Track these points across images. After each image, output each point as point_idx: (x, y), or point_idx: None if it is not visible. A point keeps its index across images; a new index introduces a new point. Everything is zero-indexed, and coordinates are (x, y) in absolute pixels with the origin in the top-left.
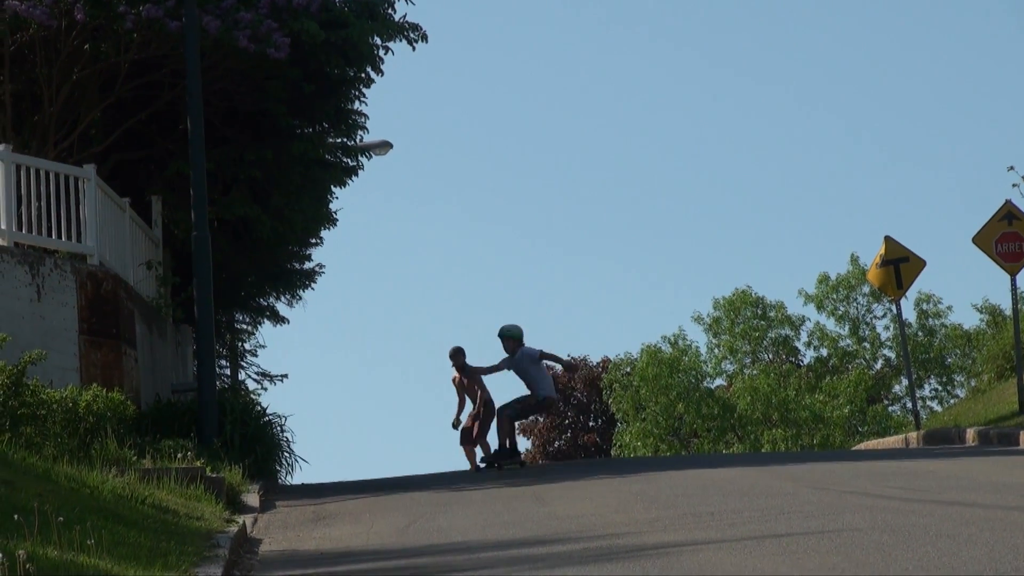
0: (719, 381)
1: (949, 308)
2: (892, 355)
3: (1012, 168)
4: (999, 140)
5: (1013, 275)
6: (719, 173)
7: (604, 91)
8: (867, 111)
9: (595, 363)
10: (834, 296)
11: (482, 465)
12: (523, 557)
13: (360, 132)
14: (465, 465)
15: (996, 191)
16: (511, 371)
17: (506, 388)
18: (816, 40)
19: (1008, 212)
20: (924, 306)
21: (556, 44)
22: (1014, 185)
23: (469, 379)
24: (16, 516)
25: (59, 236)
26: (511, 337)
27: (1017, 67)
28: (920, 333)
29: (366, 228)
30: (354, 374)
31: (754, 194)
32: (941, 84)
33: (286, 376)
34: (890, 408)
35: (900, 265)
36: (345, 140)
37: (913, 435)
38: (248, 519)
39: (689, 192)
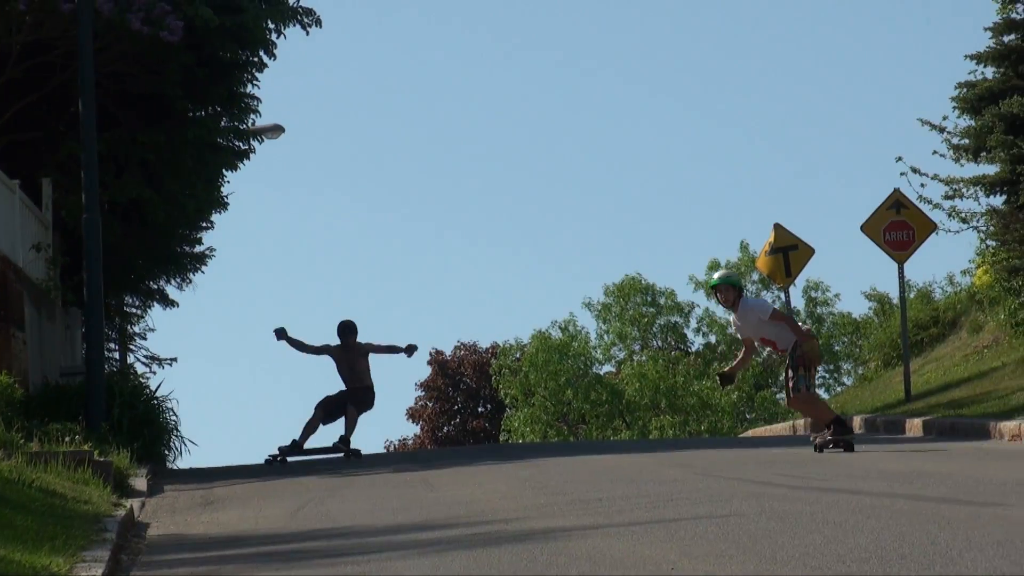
0: (608, 367)
1: (837, 296)
2: None
3: (901, 158)
4: (888, 130)
5: (901, 263)
6: (610, 159)
7: (497, 76)
8: (758, 99)
9: (484, 348)
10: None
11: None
12: (412, 542)
13: (252, 116)
14: (364, 448)
15: (885, 180)
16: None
17: None
18: (706, 28)
19: (896, 201)
20: (813, 293)
21: (446, 30)
22: (902, 174)
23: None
24: None
25: None
26: (733, 285)
27: (906, 57)
28: (808, 320)
29: (257, 212)
30: (244, 358)
31: (645, 180)
32: (831, 73)
33: (175, 360)
34: (778, 395)
35: (789, 253)
36: (237, 124)
37: (800, 422)
38: (136, 503)
39: (580, 177)
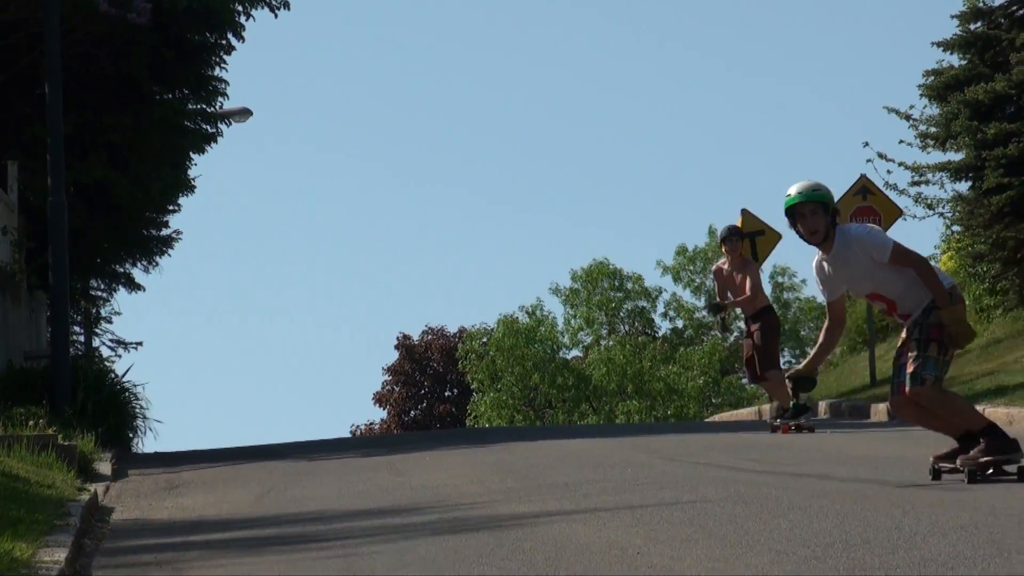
0: (575, 352)
1: (804, 282)
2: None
3: (867, 144)
4: (855, 116)
5: None
6: (579, 143)
7: (465, 61)
8: (725, 84)
9: (452, 333)
10: (691, 268)
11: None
12: (378, 527)
13: (220, 99)
14: (331, 433)
15: (851, 166)
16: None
17: None
18: (672, 15)
19: (863, 187)
20: (779, 279)
21: (413, 15)
22: (868, 160)
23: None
24: None
25: None
26: (824, 205)
27: (873, 44)
28: (775, 306)
29: (225, 195)
30: (211, 342)
31: (612, 164)
32: (799, 59)
33: (141, 344)
34: (743, 380)
35: (756, 238)
36: (205, 106)
37: (766, 407)
38: (100, 488)
39: (548, 162)
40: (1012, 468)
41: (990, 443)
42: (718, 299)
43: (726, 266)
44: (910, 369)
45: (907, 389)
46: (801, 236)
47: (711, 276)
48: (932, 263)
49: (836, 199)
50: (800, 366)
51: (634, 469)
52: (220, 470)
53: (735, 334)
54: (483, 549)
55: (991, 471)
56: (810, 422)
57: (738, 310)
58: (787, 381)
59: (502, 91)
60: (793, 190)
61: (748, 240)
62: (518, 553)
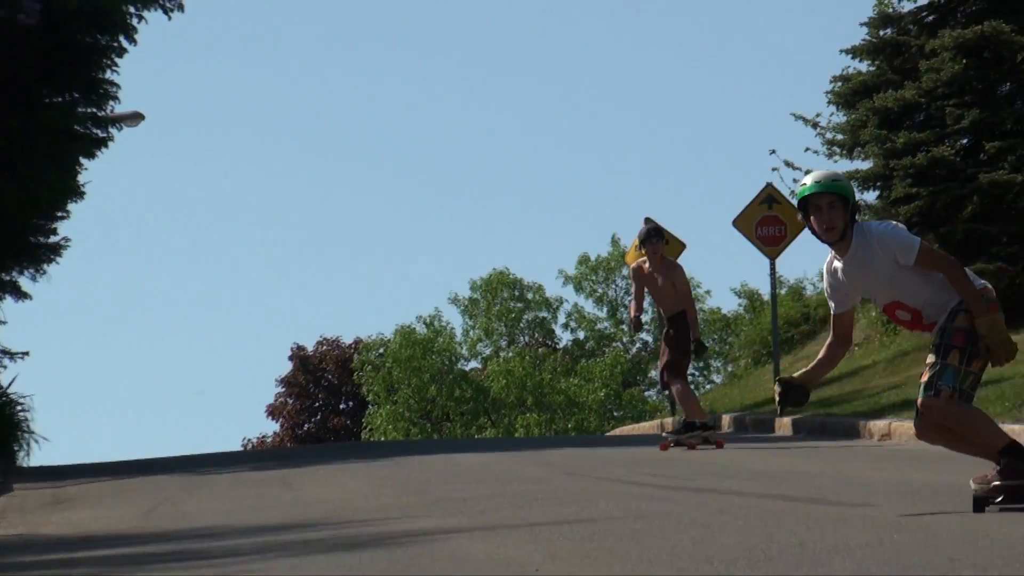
0: (474, 363)
1: (708, 292)
2: (649, 339)
3: (774, 152)
4: (762, 124)
5: (773, 259)
6: (478, 151)
7: (362, 67)
8: (629, 90)
9: (347, 344)
10: (593, 278)
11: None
12: (271, 544)
13: (112, 102)
14: (222, 446)
15: (758, 175)
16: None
17: None
18: (580, 17)
19: (769, 195)
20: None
21: (308, 17)
22: (774, 169)
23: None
24: None
25: None
26: (845, 198)
27: (781, 50)
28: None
29: (115, 201)
30: (100, 351)
31: (513, 172)
32: (705, 65)
33: (27, 353)
34: (646, 392)
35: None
36: (96, 111)
37: (669, 420)
38: None
39: (446, 169)
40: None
41: (1009, 466)
42: (635, 298)
43: (647, 266)
44: (924, 378)
45: (919, 401)
46: (814, 232)
47: (631, 275)
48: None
49: (742, 208)
50: (795, 374)
51: (533, 484)
52: (108, 484)
53: (637, 344)
54: (378, 566)
55: (1002, 498)
56: (692, 439)
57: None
58: (776, 386)
59: (399, 98)
60: (809, 179)
61: None
62: (413, 569)
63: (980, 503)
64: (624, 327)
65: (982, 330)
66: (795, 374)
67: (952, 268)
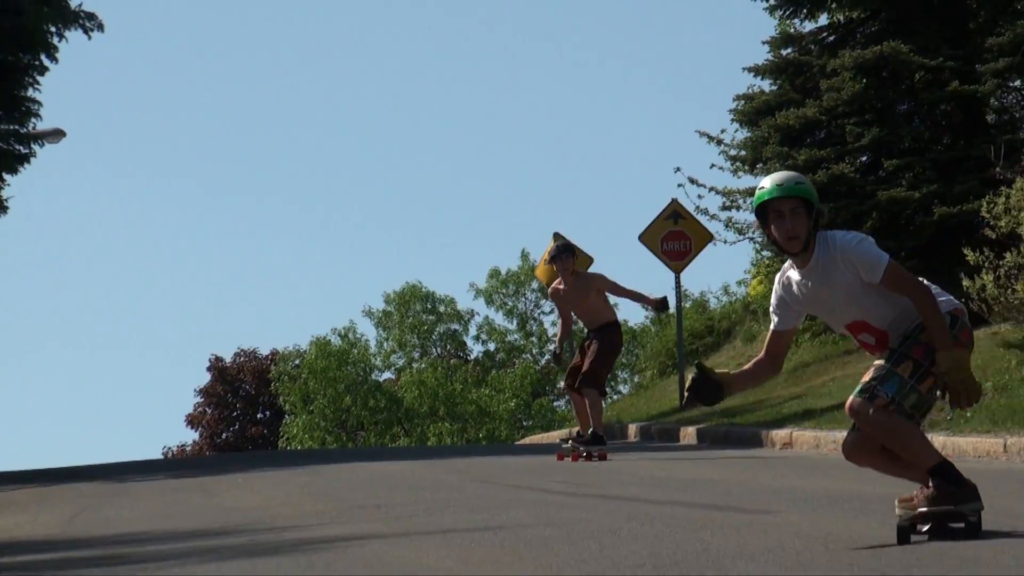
0: (387, 374)
1: (615, 305)
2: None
3: (679, 169)
4: (667, 141)
5: (678, 273)
6: (391, 165)
7: (281, 80)
8: (538, 107)
9: (264, 355)
10: (504, 291)
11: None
12: (192, 549)
13: (34, 119)
14: (143, 454)
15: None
16: None
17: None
18: (488, 32)
19: (674, 211)
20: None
21: (224, 35)
22: (680, 185)
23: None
24: None
25: None
26: (809, 203)
27: (686, 69)
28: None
29: (38, 214)
30: (19, 361)
31: (426, 187)
32: (612, 83)
33: None
34: (555, 403)
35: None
36: (18, 127)
37: (576, 430)
38: None
39: (359, 183)
40: (959, 524)
41: (939, 488)
42: (562, 324)
43: (562, 285)
44: (864, 378)
45: (848, 400)
46: (774, 242)
47: (552, 298)
48: (933, 288)
49: (648, 223)
50: (718, 370)
51: (445, 491)
52: (30, 491)
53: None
54: (295, 571)
55: (929, 527)
56: (605, 450)
57: (580, 324)
58: (693, 370)
59: (312, 114)
60: (768, 182)
61: None
62: (334, 573)
63: (904, 534)
64: (534, 339)
65: (942, 365)
66: (717, 370)
67: (920, 293)
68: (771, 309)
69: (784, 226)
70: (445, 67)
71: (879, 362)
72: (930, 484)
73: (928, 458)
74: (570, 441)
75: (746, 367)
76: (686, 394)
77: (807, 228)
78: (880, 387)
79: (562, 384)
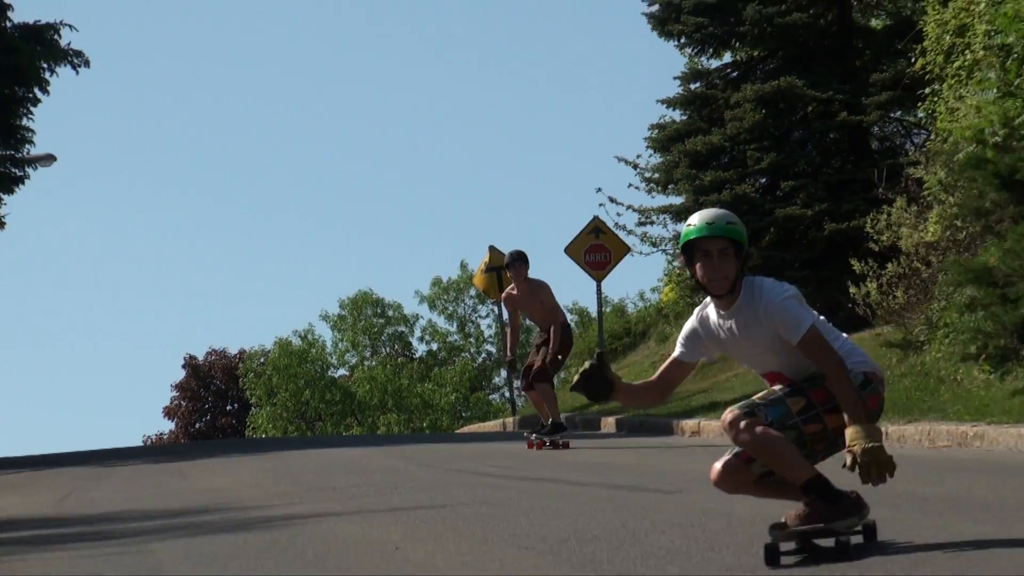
0: (342, 371)
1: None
2: (493, 349)
3: (600, 189)
4: (591, 165)
5: (599, 281)
6: (343, 181)
7: (250, 93)
8: (478, 137)
9: (233, 354)
10: (445, 297)
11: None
12: (167, 526)
13: (27, 145)
14: (125, 442)
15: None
16: None
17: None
18: (431, 52)
19: (596, 227)
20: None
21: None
22: (601, 204)
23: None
24: None
25: None
26: (739, 244)
27: (607, 101)
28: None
29: (33, 229)
30: (20, 360)
31: (376, 201)
32: (542, 113)
33: None
34: (490, 396)
35: (502, 271)
36: (13, 153)
37: (510, 420)
38: None
39: (316, 201)
40: (830, 542)
41: (811, 505)
42: (511, 331)
43: (515, 291)
44: (753, 398)
45: (728, 411)
46: (698, 282)
47: (504, 304)
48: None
49: (573, 237)
50: (618, 373)
51: (393, 475)
52: (24, 475)
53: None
54: (260, 545)
55: (795, 545)
56: (565, 439)
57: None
58: (592, 360)
59: (282, 131)
60: (696, 219)
61: (495, 273)
62: (291, 549)
63: (771, 554)
64: (471, 339)
65: (849, 438)
66: (618, 373)
67: (833, 365)
68: (680, 338)
69: (711, 266)
70: (393, 93)
71: (775, 387)
72: (803, 500)
73: (800, 472)
74: (535, 434)
75: (636, 383)
76: (575, 379)
77: (735, 270)
78: (763, 409)
79: (501, 377)
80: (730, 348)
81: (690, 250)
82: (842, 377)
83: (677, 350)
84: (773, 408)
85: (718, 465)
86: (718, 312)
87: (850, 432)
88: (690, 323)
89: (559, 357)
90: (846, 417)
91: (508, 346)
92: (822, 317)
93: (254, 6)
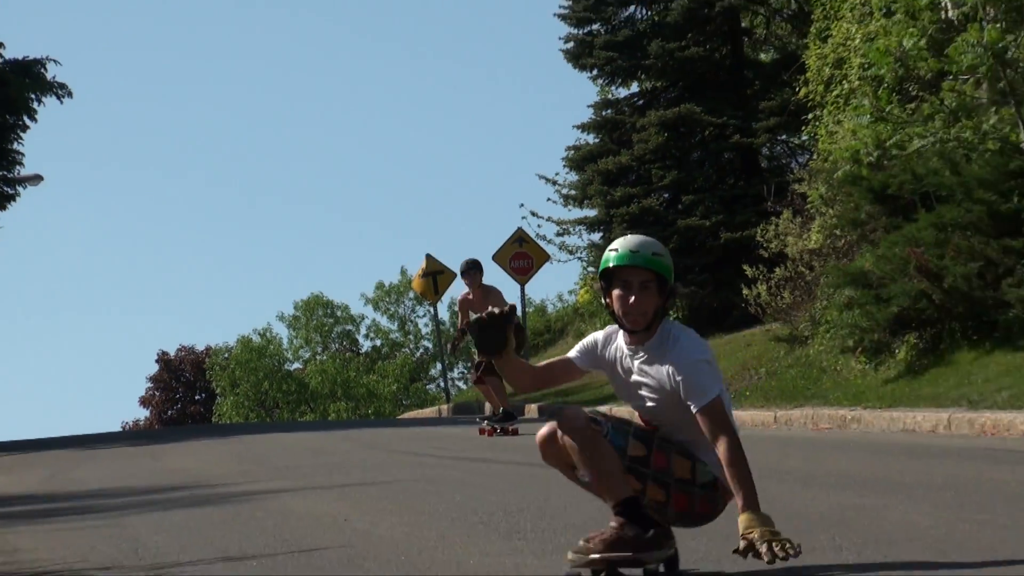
0: (297, 364)
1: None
2: (430, 345)
3: (523, 205)
4: (515, 182)
5: (523, 285)
6: (297, 196)
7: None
8: (418, 157)
9: (200, 350)
10: (387, 299)
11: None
12: (145, 502)
13: (18, 167)
14: (105, 428)
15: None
16: None
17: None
18: (369, 72)
19: (519, 237)
20: (455, 308)
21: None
22: (524, 217)
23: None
24: None
25: None
26: (664, 276)
27: (529, 127)
28: (451, 329)
29: (23, 239)
30: (11, 356)
31: (327, 216)
32: (473, 133)
33: None
34: (428, 386)
35: (437, 276)
36: (5, 173)
37: (445, 407)
38: None
39: (272, 211)
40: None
41: (619, 528)
42: (460, 326)
43: (471, 296)
44: (607, 413)
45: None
46: (612, 313)
47: (457, 306)
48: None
49: (500, 246)
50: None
51: (342, 456)
52: (14, 457)
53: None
54: (225, 518)
55: (601, 572)
56: (515, 426)
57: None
58: (493, 312)
59: (248, 150)
60: (621, 245)
61: (431, 278)
62: (251, 521)
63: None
64: (411, 336)
65: (744, 525)
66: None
67: (733, 442)
68: (581, 343)
69: (629, 299)
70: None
71: (637, 421)
72: (613, 522)
73: (619, 489)
74: (486, 421)
75: (522, 361)
76: (467, 326)
77: (655, 307)
78: (607, 426)
79: (437, 370)
80: (620, 381)
81: (609, 277)
82: (740, 456)
83: (573, 352)
84: (616, 433)
85: (545, 430)
86: (627, 341)
87: (745, 518)
88: (597, 335)
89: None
90: (739, 500)
91: (453, 344)
92: (727, 392)
93: (201, 29)
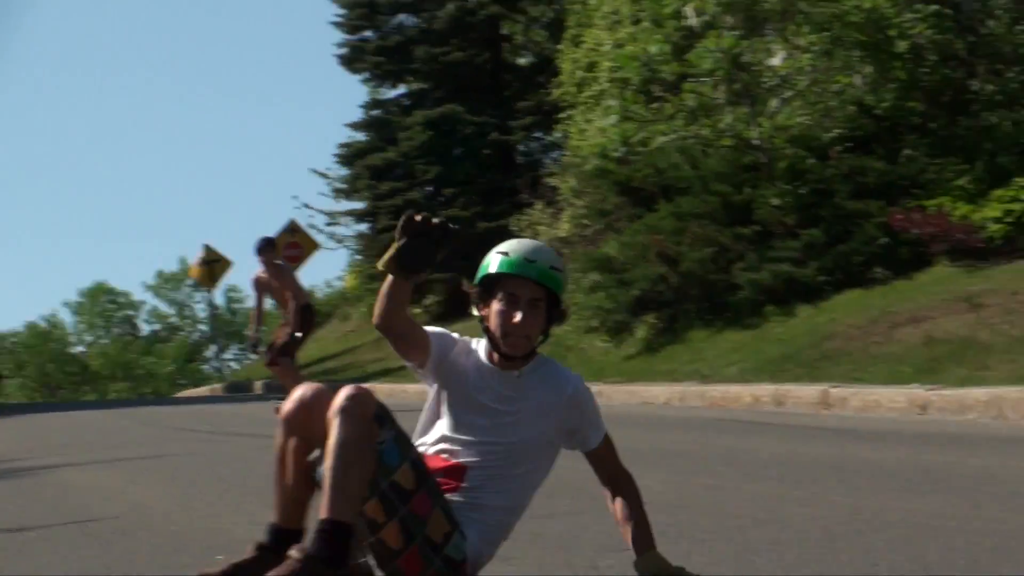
0: (81, 348)
1: (248, 296)
2: (206, 328)
3: (296, 197)
4: (289, 176)
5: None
6: (86, 186)
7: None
8: (197, 152)
9: None
10: (166, 287)
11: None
12: None
13: None
14: None
15: (285, 213)
16: None
17: None
18: (157, 63)
19: (292, 227)
20: (231, 294)
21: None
22: (297, 208)
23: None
24: None
25: None
26: (556, 292)
27: (304, 123)
28: (228, 313)
29: None
30: None
31: (112, 204)
32: (250, 131)
33: None
34: (203, 366)
35: (214, 265)
36: None
37: (218, 386)
38: None
39: (62, 200)
40: None
41: (304, 561)
42: (256, 315)
43: (264, 275)
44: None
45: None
46: (486, 328)
47: (253, 287)
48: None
49: (275, 235)
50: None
51: (120, 432)
52: None
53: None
54: (9, 491)
55: None
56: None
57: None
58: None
59: (39, 140)
60: (514, 252)
61: (208, 266)
62: (33, 493)
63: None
64: (188, 320)
65: (650, 568)
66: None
67: (631, 480)
68: (440, 330)
69: (513, 317)
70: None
71: (420, 444)
72: (295, 552)
73: (345, 504)
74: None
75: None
76: (400, 229)
77: (539, 330)
78: (388, 435)
79: (212, 351)
80: (459, 397)
81: (491, 285)
82: (639, 495)
83: (431, 330)
84: (391, 449)
85: (310, 393)
86: (490, 359)
87: (645, 561)
88: (456, 336)
89: (299, 335)
90: (642, 539)
91: (254, 324)
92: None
93: None
